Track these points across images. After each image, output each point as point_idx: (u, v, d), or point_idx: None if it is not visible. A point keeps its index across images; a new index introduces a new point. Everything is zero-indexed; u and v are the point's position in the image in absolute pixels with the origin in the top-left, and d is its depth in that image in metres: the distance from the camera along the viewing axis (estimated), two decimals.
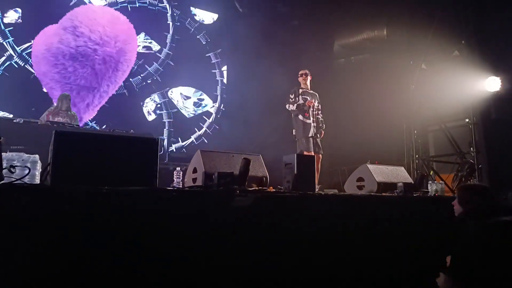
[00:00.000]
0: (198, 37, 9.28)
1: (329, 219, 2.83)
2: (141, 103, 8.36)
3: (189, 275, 2.25)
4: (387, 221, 3.05)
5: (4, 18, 7.12)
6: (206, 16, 9.45)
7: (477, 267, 2.07)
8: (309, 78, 5.67)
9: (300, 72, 5.73)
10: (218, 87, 9.39)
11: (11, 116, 5.88)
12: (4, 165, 2.09)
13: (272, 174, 3.37)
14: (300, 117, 5.42)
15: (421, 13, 7.07)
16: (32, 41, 7.12)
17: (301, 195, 2.87)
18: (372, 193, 3.75)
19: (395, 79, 7.21)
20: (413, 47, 7.20)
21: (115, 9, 7.80)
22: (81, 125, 6.42)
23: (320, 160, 5.46)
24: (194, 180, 3.07)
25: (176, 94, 8.81)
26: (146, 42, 8.44)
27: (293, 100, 5.48)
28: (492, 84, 5.82)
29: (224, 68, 9.45)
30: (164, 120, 8.61)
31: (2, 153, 2.07)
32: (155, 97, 8.57)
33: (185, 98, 8.88)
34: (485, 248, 2.09)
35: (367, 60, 8.47)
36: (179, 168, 4.10)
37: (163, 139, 8.42)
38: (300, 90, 5.55)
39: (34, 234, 1.91)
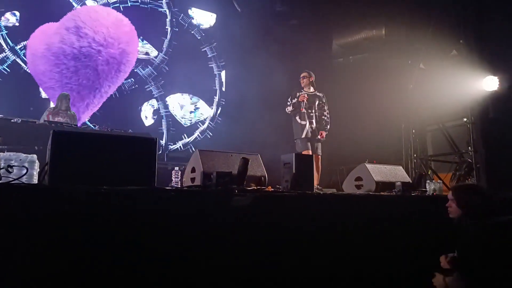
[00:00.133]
0: (194, 33, 9.26)
1: (328, 218, 2.83)
2: (139, 108, 8.40)
3: (189, 274, 2.25)
4: (386, 221, 3.05)
5: (1, 21, 7.12)
6: (205, 17, 9.43)
7: (477, 267, 2.07)
8: (308, 79, 5.64)
9: (300, 75, 5.74)
10: (217, 87, 9.38)
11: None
12: (2, 165, 2.09)
13: (270, 173, 3.38)
14: (297, 119, 5.46)
15: (420, 12, 7.08)
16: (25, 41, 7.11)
17: (299, 194, 2.88)
18: (371, 192, 3.76)
19: (394, 78, 7.21)
20: (412, 46, 7.21)
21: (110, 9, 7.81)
22: (79, 125, 6.39)
23: (319, 161, 5.45)
24: (193, 179, 3.07)
25: (172, 101, 8.84)
26: (144, 47, 8.49)
27: (290, 102, 5.52)
28: (490, 83, 5.83)
29: (222, 62, 9.41)
30: (161, 128, 8.63)
31: (0, 153, 2.06)
32: (153, 101, 8.61)
33: (182, 106, 8.91)
34: (485, 248, 2.09)
35: (366, 59, 8.47)
36: (177, 167, 4.10)
37: (161, 135, 8.45)
38: (298, 93, 5.57)
39: (33, 233, 1.91)
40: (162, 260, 2.17)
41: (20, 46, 7.27)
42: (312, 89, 5.64)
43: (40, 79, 7.06)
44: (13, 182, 2.06)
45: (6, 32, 7.19)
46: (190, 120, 8.98)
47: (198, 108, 9.12)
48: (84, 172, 2.19)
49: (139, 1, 8.54)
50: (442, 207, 2.52)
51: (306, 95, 5.45)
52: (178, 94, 8.93)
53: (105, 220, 2.07)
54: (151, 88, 8.60)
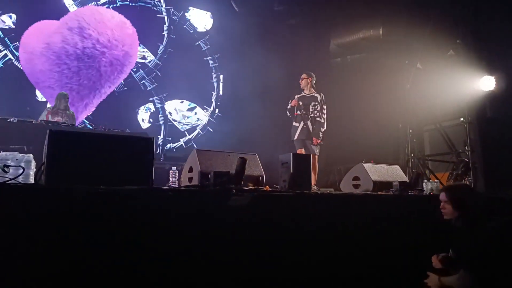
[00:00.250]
0: (192, 33, 9.25)
1: (326, 218, 2.83)
2: (136, 110, 8.39)
3: (187, 274, 2.24)
4: (383, 220, 3.05)
5: None
6: (202, 17, 9.42)
7: (477, 268, 2.07)
8: (306, 81, 5.62)
9: (301, 76, 5.72)
10: (215, 86, 9.37)
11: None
12: None
13: (268, 173, 3.37)
14: (293, 121, 5.52)
15: (417, 12, 7.10)
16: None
17: (297, 194, 2.87)
18: (368, 192, 3.76)
19: (391, 78, 7.22)
20: (409, 46, 7.22)
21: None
22: (76, 124, 6.37)
23: (316, 160, 5.44)
24: (190, 179, 3.06)
25: (170, 105, 8.84)
26: (141, 52, 8.49)
27: (289, 106, 5.57)
28: (486, 83, 5.85)
29: (220, 62, 9.41)
30: (158, 123, 8.62)
31: None
32: (150, 105, 8.61)
33: (178, 111, 8.91)
34: (485, 248, 2.08)
35: (363, 59, 8.49)
36: (175, 167, 4.09)
37: (159, 136, 8.45)
38: (297, 96, 5.57)
39: (30, 233, 1.90)
40: (160, 260, 2.17)
41: (15, 44, 7.24)
42: (311, 91, 5.62)
43: (37, 78, 6.98)
44: (9, 182, 2.05)
45: (1, 33, 7.17)
46: (187, 124, 8.99)
47: (195, 113, 9.12)
48: (81, 172, 2.18)
49: (139, 1, 8.52)
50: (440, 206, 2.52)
51: (297, 100, 5.47)
52: (176, 100, 8.95)
53: (103, 220, 2.07)
54: (149, 89, 8.60)
